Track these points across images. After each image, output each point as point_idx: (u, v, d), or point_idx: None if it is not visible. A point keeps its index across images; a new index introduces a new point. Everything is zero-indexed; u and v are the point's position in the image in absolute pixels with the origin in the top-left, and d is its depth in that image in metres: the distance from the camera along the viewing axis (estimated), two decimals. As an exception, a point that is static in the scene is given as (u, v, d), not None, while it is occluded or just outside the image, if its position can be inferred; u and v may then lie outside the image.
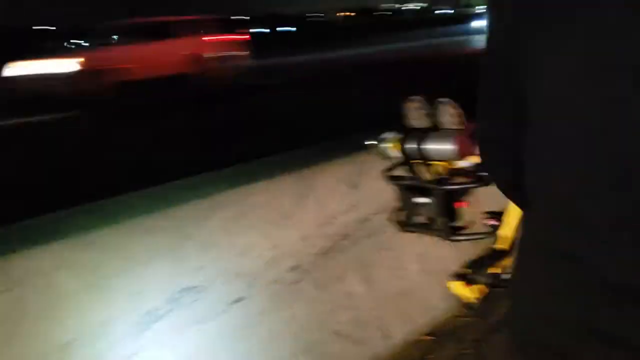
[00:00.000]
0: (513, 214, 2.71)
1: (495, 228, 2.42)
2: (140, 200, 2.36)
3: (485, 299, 3.00)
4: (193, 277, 2.17)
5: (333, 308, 2.59)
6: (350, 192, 2.69)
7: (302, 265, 2.47)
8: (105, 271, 1.96)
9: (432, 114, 2.34)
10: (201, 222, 2.22)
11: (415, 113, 2.37)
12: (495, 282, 2.95)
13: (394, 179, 2.50)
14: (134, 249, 2.05)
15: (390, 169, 2.58)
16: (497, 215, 2.45)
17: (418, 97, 2.35)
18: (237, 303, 2.27)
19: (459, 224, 2.47)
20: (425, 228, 2.49)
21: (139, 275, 2.05)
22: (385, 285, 2.80)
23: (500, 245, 2.67)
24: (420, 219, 2.52)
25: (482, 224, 2.48)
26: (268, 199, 2.40)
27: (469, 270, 2.99)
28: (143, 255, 2.07)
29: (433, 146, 2.26)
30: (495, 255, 3.05)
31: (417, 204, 2.46)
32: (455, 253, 3.08)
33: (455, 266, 3.00)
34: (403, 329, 2.83)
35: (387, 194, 2.78)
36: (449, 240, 2.45)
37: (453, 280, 2.96)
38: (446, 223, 2.36)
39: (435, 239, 2.98)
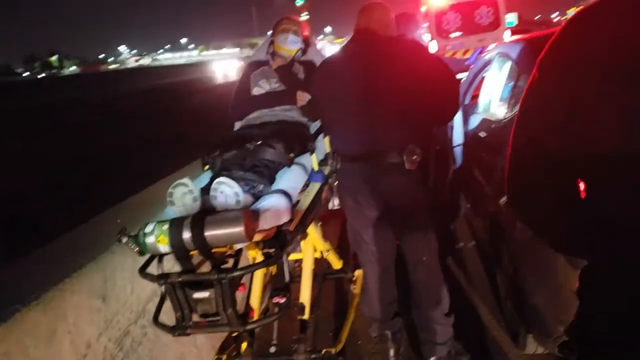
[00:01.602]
0: (306, 281, 2.65)
1: (283, 305, 2.27)
2: None
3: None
4: None
5: None
6: (103, 305, 2.14)
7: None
8: None
9: (202, 196, 2.07)
10: None
11: (182, 199, 2.05)
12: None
13: (161, 277, 2.09)
14: None
15: (146, 266, 2.16)
16: (282, 291, 2.31)
17: (184, 180, 2.04)
18: None
19: (241, 311, 2.23)
20: (208, 326, 2.15)
21: None
22: (155, 406, 2.33)
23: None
24: (195, 316, 2.18)
25: (271, 303, 2.30)
26: (9, 348, 1.69)
27: (224, 356, 2.77)
28: None
29: (216, 232, 1.97)
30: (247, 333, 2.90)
31: (194, 300, 2.12)
32: (211, 341, 2.82)
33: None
34: None
35: (143, 295, 2.34)
36: (241, 331, 2.18)
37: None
38: (235, 313, 2.09)
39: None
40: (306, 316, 2.76)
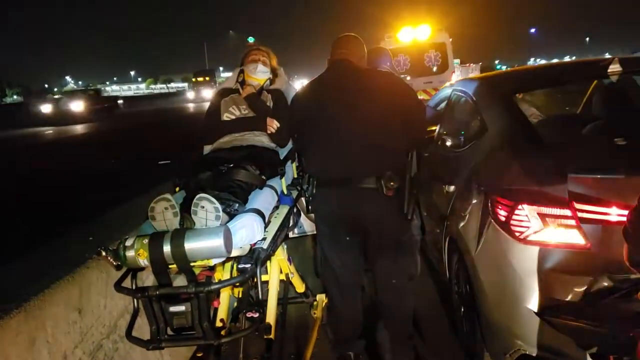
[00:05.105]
0: (272, 301, 2.69)
1: (256, 320, 2.33)
2: None
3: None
4: None
5: None
6: (79, 318, 2.15)
7: None
8: None
9: (182, 212, 2.14)
10: None
11: (162, 214, 2.11)
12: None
13: (138, 290, 2.13)
14: None
15: (121, 281, 2.20)
16: (256, 306, 2.38)
17: (166, 195, 2.11)
18: None
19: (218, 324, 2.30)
20: (183, 339, 2.20)
21: None
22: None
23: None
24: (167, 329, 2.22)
25: (241, 319, 2.36)
26: (-8, 355, 1.69)
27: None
28: None
29: (196, 245, 2.04)
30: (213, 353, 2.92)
31: (170, 314, 2.17)
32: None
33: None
34: None
35: (115, 311, 2.36)
36: (216, 344, 2.23)
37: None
38: (211, 326, 2.15)
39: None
40: (272, 336, 2.82)
